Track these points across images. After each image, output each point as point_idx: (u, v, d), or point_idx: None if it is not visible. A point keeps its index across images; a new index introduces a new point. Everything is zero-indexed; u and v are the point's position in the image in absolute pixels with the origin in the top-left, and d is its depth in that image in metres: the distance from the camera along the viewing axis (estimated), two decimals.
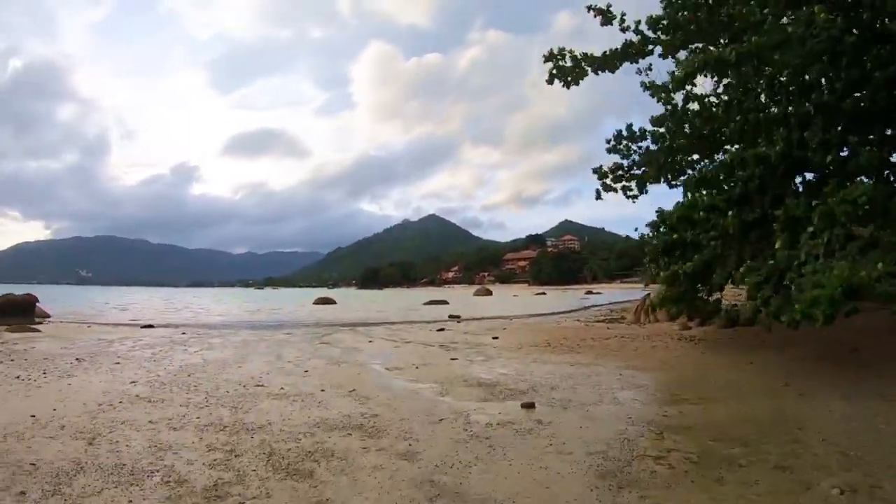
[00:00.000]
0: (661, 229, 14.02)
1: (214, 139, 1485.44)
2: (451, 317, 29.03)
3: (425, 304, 47.58)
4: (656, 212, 15.27)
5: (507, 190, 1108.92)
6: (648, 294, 22.72)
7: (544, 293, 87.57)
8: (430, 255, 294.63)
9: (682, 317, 18.64)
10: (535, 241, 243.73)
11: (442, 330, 20.67)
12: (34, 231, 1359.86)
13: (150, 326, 23.07)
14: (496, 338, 16.96)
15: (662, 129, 16.31)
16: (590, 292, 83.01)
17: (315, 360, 12.76)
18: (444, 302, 48.88)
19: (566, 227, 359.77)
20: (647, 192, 18.91)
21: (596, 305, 42.69)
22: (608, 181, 18.88)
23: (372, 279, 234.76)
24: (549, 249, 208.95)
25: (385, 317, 31.77)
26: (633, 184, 18.46)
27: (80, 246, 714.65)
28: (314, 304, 50.52)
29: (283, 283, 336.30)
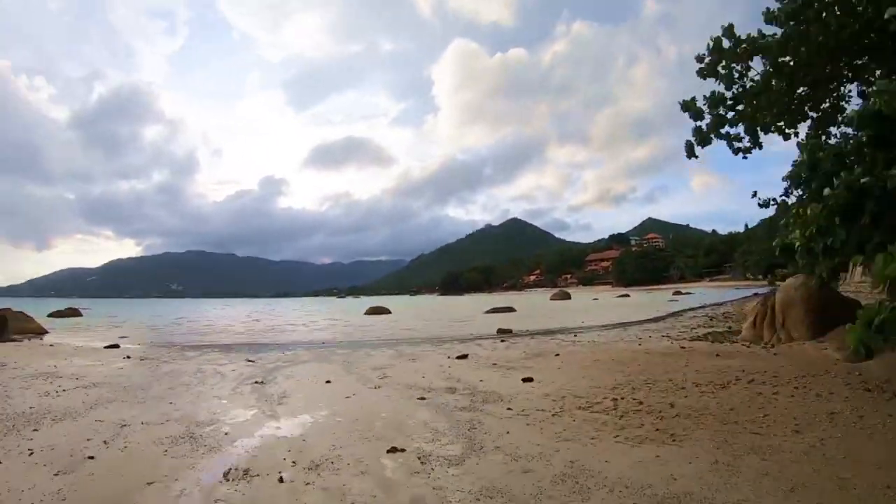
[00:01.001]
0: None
1: (298, 153, 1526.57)
2: (500, 331, 22.41)
3: (487, 311, 40.71)
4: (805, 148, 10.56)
5: (593, 189, 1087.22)
6: (771, 293, 15.63)
7: (628, 295, 79.29)
8: (512, 258, 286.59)
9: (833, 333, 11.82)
10: (617, 240, 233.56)
11: (464, 357, 13.86)
12: (126, 249, 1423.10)
13: (116, 346, 18.39)
14: (530, 379, 9.91)
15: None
16: (678, 292, 74.27)
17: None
18: (510, 309, 41.88)
19: (649, 225, 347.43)
20: (760, 145, 13.24)
21: (688, 310, 34.77)
22: (704, 126, 12.48)
23: (453, 285, 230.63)
24: (633, 249, 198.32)
25: (420, 331, 25.50)
26: (740, 128, 12.91)
27: (170, 261, 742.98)
28: (365, 313, 45.50)
29: (366, 291, 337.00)
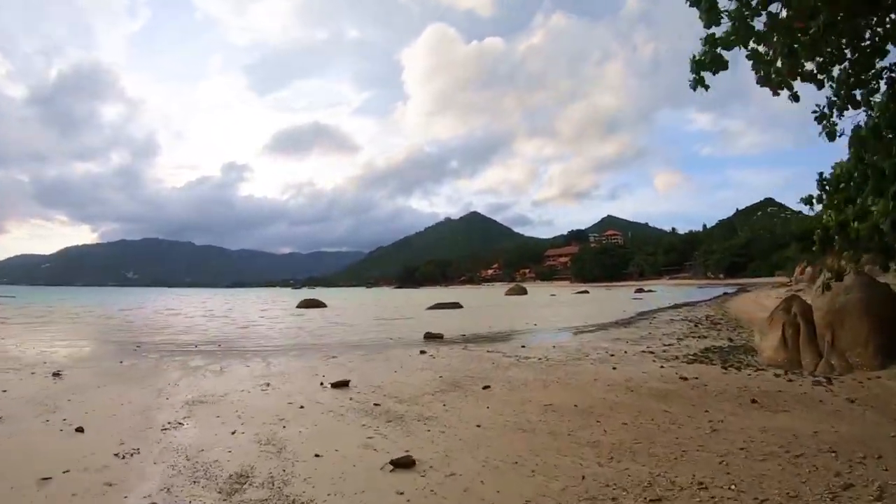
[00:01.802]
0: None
1: (261, 139, 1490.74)
2: (429, 336, 17.15)
3: (430, 308, 35.60)
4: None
5: (558, 184, 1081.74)
6: (790, 297, 10.93)
7: (587, 291, 74.75)
8: (471, 252, 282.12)
9: None
10: (577, 237, 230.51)
11: (344, 385, 9.03)
12: (82, 234, 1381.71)
13: None
14: (407, 464, 4.82)
15: None
16: (641, 290, 69.86)
17: None
18: (456, 305, 36.92)
19: (609, 222, 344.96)
20: (801, 75, 7.40)
21: (659, 310, 30.01)
22: (723, 36, 6.37)
23: (410, 278, 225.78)
24: (593, 245, 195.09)
25: (335, 333, 20.33)
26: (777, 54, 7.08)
27: (126, 249, 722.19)
28: (298, 306, 41.17)
29: (324, 282, 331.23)
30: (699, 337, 15.30)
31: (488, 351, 13.37)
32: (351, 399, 7.96)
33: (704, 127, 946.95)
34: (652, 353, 12.20)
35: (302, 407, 7.47)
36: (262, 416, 6.91)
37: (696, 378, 8.85)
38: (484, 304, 44.94)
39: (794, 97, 7.14)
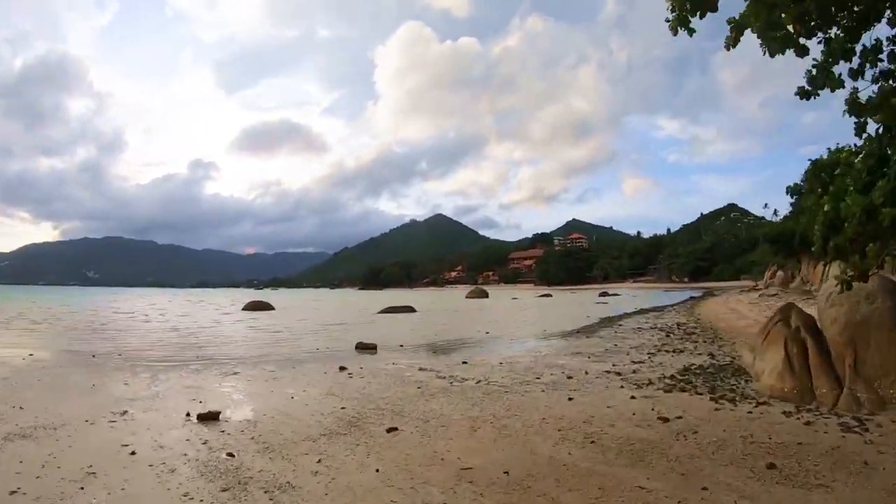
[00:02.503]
0: None
1: (229, 137, 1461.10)
2: (362, 347, 14.68)
3: (381, 311, 33.05)
4: None
5: (527, 188, 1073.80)
6: (787, 306, 8.67)
7: (550, 294, 72.59)
8: (437, 255, 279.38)
9: None
10: (541, 239, 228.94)
11: (213, 418, 6.56)
12: (43, 232, 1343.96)
13: None
14: None
15: None
16: (605, 293, 68.00)
17: None
18: (409, 309, 34.37)
19: (574, 225, 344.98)
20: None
21: (625, 316, 27.90)
22: None
23: (374, 279, 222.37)
24: (557, 248, 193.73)
25: (258, 340, 17.94)
26: None
27: (88, 247, 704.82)
28: (244, 309, 38.62)
29: (287, 283, 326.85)
30: (674, 351, 13.02)
31: (421, 368, 10.97)
32: (206, 443, 5.89)
33: (673, 133, 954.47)
34: (619, 374, 9.87)
35: (134, 453, 5.48)
36: (69, 466, 4.96)
37: (680, 417, 6.51)
38: (441, 307, 42.57)
39: (802, 51, 4.83)
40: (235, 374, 10.82)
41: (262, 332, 21.40)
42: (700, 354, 12.22)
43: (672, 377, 9.26)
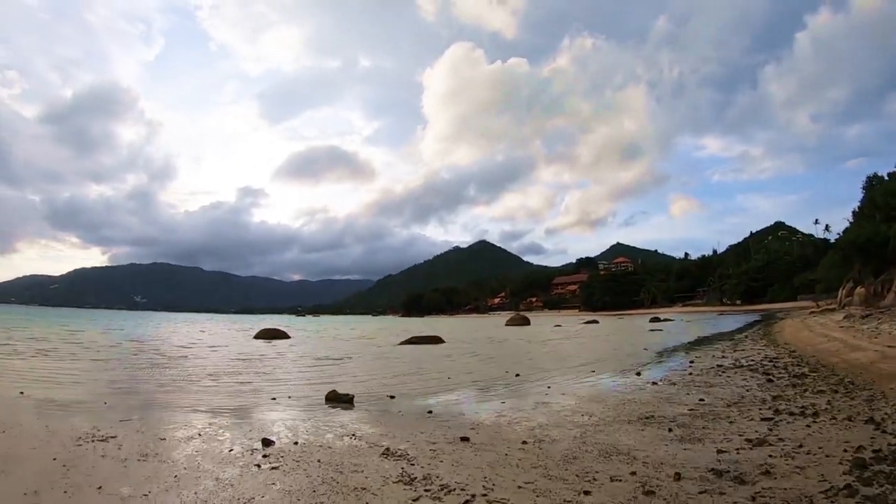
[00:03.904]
0: None
1: (276, 166, 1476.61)
2: (335, 400, 10.15)
3: (403, 343, 28.62)
4: None
5: (574, 212, 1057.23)
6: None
7: (596, 321, 66.98)
8: (477, 280, 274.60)
9: None
10: (585, 264, 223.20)
11: None
12: (92, 257, 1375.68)
13: None
14: None
15: None
16: (656, 318, 62.43)
17: None
18: (435, 340, 29.72)
19: (618, 249, 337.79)
20: None
21: (689, 347, 23.03)
22: None
23: (415, 306, 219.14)
24: (602, 272, 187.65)
25: (221, 382, 13.04)
26: None
27: (135, 272, 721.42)
28: (255, 337, 34.78)
29: (330, 310, 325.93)
30: (802, 414, 8.13)
31: (386, 452, 6.33)
32: None
33: (720, 152, 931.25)
34: (739, 478, 5.18)
35: None
36: None
37: None
38: (475, 336, 37.77)
39: None
40: (104, 439, 6.66)
41: (242, 367, 17.06)
42: (851, 422, 7.45)
43: (850, 489, 4.60)
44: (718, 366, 15.09)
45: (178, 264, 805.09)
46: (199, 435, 7.45)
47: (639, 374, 13.91)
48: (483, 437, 7.15)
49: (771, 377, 12.25)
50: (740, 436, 7.00)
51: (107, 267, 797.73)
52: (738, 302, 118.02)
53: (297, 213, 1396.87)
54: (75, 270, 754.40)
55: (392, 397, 10.70)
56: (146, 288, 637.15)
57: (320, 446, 6.79)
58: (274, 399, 10.59)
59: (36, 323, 50.04)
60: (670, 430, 7.49)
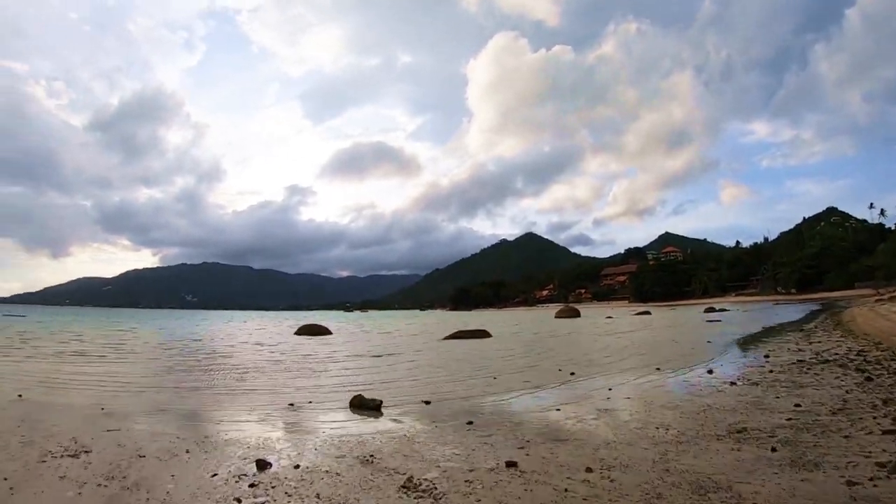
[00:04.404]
0: None
1: (322, 164, 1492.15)
2: (359, 406, 8.75)
3: (447, 337, 27.02)
4: None
5: (622, 201, 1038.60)
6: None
7: (648, 312, 64.36)
8: (525, 273, 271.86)
9: None
10: (634, 254, 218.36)
11: None
12: (143, 258, 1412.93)
13: None
14: None
15: None
16: (711, 308, 59.65)
17: None
18: (482, 334, 28.02)
19: (667, 239, 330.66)
20: None
21: (756, 340, 20.94)
22: None
23: (463, 300, 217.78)
24: (651, 262, 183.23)
25: (242, 384, 11.62)
26: None
27: (186, 272, 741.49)
28: (296, 333, 33.45)
29: (378, 305, 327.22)
30: None
31: (406, 485, 4.80)
32: None
33: (769, 137, 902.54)
34: None
35: None
36: None
37: None
38: (524, 330, 36.00)
39: None
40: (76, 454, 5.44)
41: (272, 366, 15.67)
42: None
43: None
44: (799, 361, 13.16)
45: (227, 263, 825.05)
46: (187, 451, 6.10)
47: (710, 371, 12.08)
48: (535, 462, 5.53)
49: (868, 375, 10.32)
50: (866, 457, 5.31)
51: (158, 268, 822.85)
52: (793, 291, 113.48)
53: (344, 209, 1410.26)
54: (127, 272, 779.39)
55: (427, 403, 9.13)
56: (197, 287, 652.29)
57: (326, 472, 5.29)
58: (291, 405, 9.13)
59: (82, 323, 50.09)
60: (773, 449, 5.79)
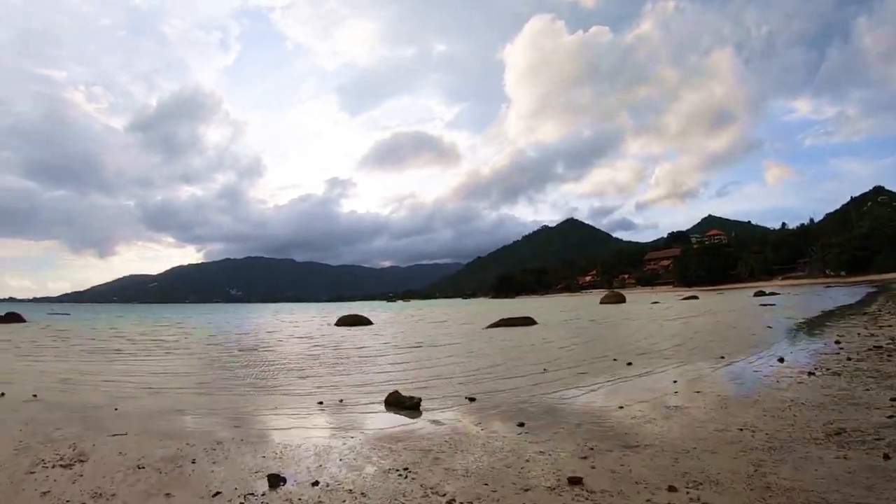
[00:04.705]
0: None
1: (362, 156, 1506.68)
2: (394, 404, 7.81)
3: (491, 325, 25.95)
4: None
5: (664, 184, 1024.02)
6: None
7: (695, 296, 62.29)
8: (568, 260, 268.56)
9: None
10: (677, 239, 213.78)
11: None
12: (187, 255, 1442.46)
13: None
14: None
15: None
16: (761, 292, 57.30)
17: None
18: (527, 321, 26.82)
19: (710, 222, 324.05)
20: None
21: (823, 324, 19.49)
22: None
23: (505, 287, 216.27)
24: (695, 246, 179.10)
25: (266, 379, 10.69)
26: None
27: (230, 267, 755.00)
28: (336, 324, 32.62)
29: (420, 295, 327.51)
30: None
31: None
32: None
33: (811, 114, 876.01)
34: None
35: None
36: None
37: None
38: (570, 316, 34.62)
39: None
40: (69, 464, 4.50)
41: (305, 361, 14.76)
42: None
43: None
44: (876, 347, 11.80)
45: (270, 257, 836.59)
46: (193, 462, 5.22)
47: (781, 359, 10.78)
48: (603, 477, 4.45)
49: None
50: None
51: (202, 263, 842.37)
52: (843, 273, 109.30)
53: (384, 200, 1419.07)
54: (172, 269, 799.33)
55: (472, 399, 8.10)
56: (241, 281, 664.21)
57: (349, 491, 4.33)
58: (321, 404, 8.20)
59: (126, 319, 50.36)
60: (886, 456, 4.66)
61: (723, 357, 11.59)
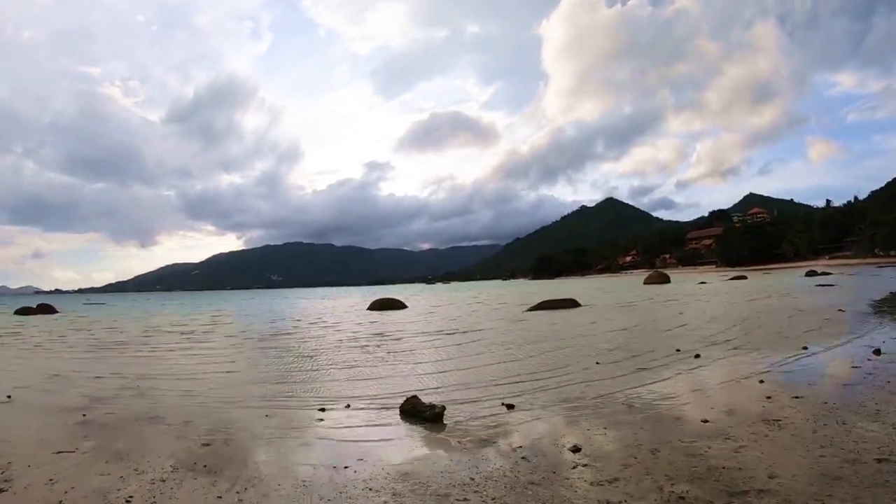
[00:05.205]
0: None
1: (398, 139, 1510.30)
2: (410, 414, 6.14)
3: (533, 308, 24.26)
4: None
5: (706, 162, 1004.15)
6: None
7: (744, 276, 59.37)
8: (609, 240, 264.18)
9: None
10: (718, 217, 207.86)
11: None
12: (227, 242, 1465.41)
13: None
14: None
15: None
16: (813, 272, 54.29)
17: None
18: (570, 303, 25.02)
19: (752, 200, 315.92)
20: None
21: None
22: None
23: (545, 268, 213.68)
24: (737, 225, 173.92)
25: (285, 372, 9.11)
26: None
27: (270, 253, 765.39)
28: (369, 308, 31.33)
29: (460, 276, 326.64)
30: None
31: None
32: None
33: (857, 88, 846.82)
34: None
35: None
36: None
37: None
38: (614, 298, 32.61)
39: None
40: None
41: (324, 352, 13.27)
42: None
43: None
44: None
45: (310, 242, 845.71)
46: (128, 500, 3.68)
47: (878, 351, 8.92)
48: None
49: None
50: None
51: (243, 250, 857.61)
52: (892, 253, 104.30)
53: (423, 182, 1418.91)
54: (213, 256, 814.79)
55: (510, 407, 6.40)
56: (281, 267, 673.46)
57: None
58: (322, 410, 6.65)
59: (167, 306, 50.21)
60: None
61: (805, 347, 9.71)
